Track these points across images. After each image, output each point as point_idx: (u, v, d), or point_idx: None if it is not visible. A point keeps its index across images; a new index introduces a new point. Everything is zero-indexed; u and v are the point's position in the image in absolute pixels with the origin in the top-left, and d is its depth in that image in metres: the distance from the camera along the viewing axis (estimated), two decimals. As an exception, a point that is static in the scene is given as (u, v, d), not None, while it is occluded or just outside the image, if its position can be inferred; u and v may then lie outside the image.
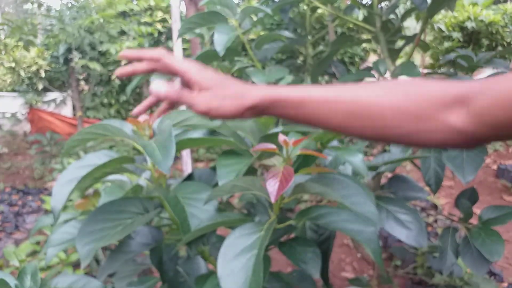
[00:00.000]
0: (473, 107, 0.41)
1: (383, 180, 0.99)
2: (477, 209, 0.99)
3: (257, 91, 0.48)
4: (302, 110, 0.47)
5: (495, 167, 4.36)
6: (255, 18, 1.23)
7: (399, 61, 1.17)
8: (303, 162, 0.66)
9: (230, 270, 0.50)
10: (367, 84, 0.47)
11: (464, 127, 0.41)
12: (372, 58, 5.89)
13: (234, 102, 0.48)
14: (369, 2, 1.26)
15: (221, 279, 0.50)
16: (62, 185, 0.61)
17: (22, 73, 6.17)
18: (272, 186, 0.48)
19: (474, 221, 0.96)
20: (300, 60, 1.58)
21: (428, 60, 6.02)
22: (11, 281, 0.77)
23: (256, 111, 0.48)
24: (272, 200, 0.47)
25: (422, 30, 1.08)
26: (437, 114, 0.42)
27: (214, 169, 0.77)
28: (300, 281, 0.79)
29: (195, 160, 5.29)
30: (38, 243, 1.80)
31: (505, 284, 2.14)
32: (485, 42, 5.37)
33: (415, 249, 1.74)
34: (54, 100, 6.44)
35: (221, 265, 0.50)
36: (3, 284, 0.74)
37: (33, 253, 1.73)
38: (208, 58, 1.14)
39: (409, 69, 0.95)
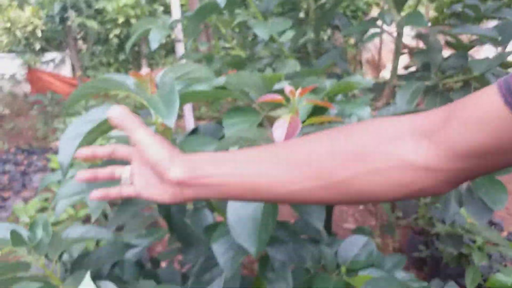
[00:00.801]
0: (437, 138, 0.34)
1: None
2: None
3: (177, 168, 0.43)
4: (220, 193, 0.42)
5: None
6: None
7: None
8: (310, 114, 0.65)
9: (239, 217, 0.51)
10: (299, 140, 0.42)
11: (429, 162, 0.34)
12: (375, 12, 5.72)
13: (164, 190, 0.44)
14: None
15: (231, 226, 0.51)
16: (68, 140, 0.61)
17: (18, 33, 6.04)
18: (279, 136, 0.48)
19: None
20: (302, 13, 1.53)
21: (432, 13, 5.85)
22: (24, 232, 0.80)
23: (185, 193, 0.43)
24: (280, 148, 0.47)
25: (431, -23, 1.04)
26: (389, 150, 0.35)
27: (219, 123, 0.77)
28: (305, 229, 0.81)
29: (197, 118, 5.29)
30: (46, 200, 1.84)
31: (505, 233, 2.21)
32: None
33: (417, 200, 1.77)
34: (52, 60, 6.36)
35: (231, 212, 0.52)
36: (16, 235, 0.76)
37: (42, 210, 1.77)
38: (208, 10, 1.10)
39: (415, 18, 0.92)
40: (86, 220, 1.80)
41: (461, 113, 0.33)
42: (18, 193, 3.06)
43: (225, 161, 0.42)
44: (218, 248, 0.60)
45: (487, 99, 0.31)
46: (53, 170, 3.33)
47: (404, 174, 0.35)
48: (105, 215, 1.81)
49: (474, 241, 1.56)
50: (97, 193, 0.50)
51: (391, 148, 0.35)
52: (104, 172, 0.50)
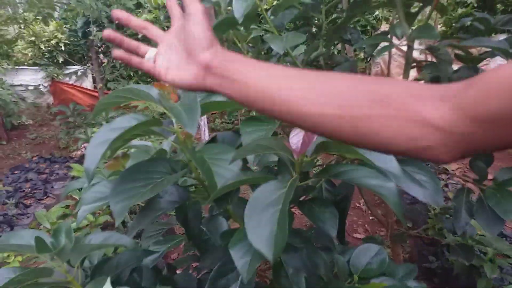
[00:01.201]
0: (456, 100, 0.35)
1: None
2: (489, 175, 1.00)
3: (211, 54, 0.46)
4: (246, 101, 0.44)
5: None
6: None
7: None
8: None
9: (256, 222, 0.53)
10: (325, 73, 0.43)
11: (443, 123, 0.35)
12: (384, 27, 5.74)
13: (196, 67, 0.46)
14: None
15: (248, 231, 0.53)
16: (95, 147, 0.63)
17: (42, 47, 6.26)
18: (295, 143, 0.50)
19: (487, 184, 0.97)
20: (314, 28, 1.57)
21: (441, 27, 5.83)
22: (47, 238, 0.82)
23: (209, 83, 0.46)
24: (296, 156, 0.50)
25: (443, -8, 1.06)
26: (412, 103, 0.37)
27: (236, 132, 0.80)
28: (318, 238, 0.83)
29: (211, 130, 5.36)
30: (67, 206, 1.89)
31: (516, 246, 2.16)
32: (500, 7, 5.18)
33: (427, 211, 1.76)
34: (75, 73, 6.55)
35: (248, 218, 0.54)
36: (39, 241, 0.78)
37: (63, 216, 1.82)
38: (225, 25, 1.14)
39: (426, 31, 0.94)
40: (105, 227, 1.85)
41: (482, 80, 0.34)
42: (40, 200, 3.14)
43: (256, 66, 0.44)
44: (236, 253, 0.62)
45: (509, 69, 0.32)
46: (73, 178, 3.41)
47: (418, 128, 0.36)
48: (123, 223, 1.85)
49: (484, 253, 1.54)
50: (118, 52, 0.53)
51: (414, 102, 0.37)
52: (131, 42, 0.54)
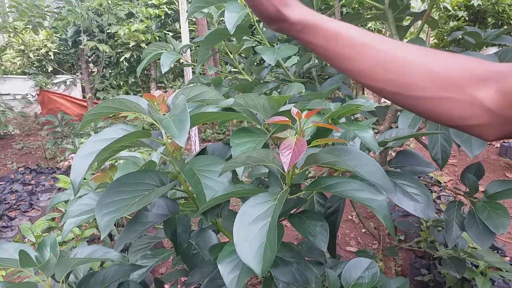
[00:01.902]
0: (503, 84, 0.38)
1: (389, 157, 1.00)
2: (480, 187, 1.00)
3: (299, 8, 0.48)
4: (334, 43, 0.46)
5: (498, 144, 4.36)
6: None
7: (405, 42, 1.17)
8: (315, 136, 0.67)
9: (245, 236, 0.52)
10: (401, 42, 0.46)
11: (492, 105, 0.38)
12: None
13: (277, 5, 0.47)
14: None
15: (237, 245, 0.51)
16: (81, 158, 0.62)
17: (32, 56, 6.21)
18: (285, 156, 0.49)
19: (478, 196, 0.97)
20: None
21: (433, 40, 5.96)
22: (31, 252, 0.80)
23: (288, 27, 0.49)
24: (286, 168, 0.49)
25: (431, 6, 1.07)
26: (467, 85, 0.40)
27: (226, 144, 0.79)
28: (309, 252, 0.81)
29: (202, 140, 5.34)
30: (53, 219, 1.85)
31: (507, 258, 2.18)
32: (491, 21, 5.32)
33: (419, 224, 1.76)
34: (64, 82, 6.49)
35: (237, 231, 0.52)
36: (24, 255, 0.76)
37: (49, 229, 1.78)
38: (217, 36, 1.14)
39: (418, 45, 0.95)
40: (92, 240, 1.81)
41: None
42: (25, 213, 3.08)
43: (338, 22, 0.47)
44: (224, 268, 0.61)
45: None
46: (60, 189, 3.35)
47: (469, 109, 0.40)
48: (110, 236, 1.81)
49: (476, 266, 1.54)
50: None
51: (469, 84, 0.39)
52: None
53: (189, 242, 0.87)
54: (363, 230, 2.73)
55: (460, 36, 1.15)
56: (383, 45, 0.44)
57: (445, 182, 3.52)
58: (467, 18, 5.35)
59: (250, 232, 0.53)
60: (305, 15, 0.47)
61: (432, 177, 3.41)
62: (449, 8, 5.38)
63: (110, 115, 0.70)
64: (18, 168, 4.40)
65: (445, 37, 5.48)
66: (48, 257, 0.79)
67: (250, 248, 0.52)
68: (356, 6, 3.42)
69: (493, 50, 1.00)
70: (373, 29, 5.71)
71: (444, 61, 0.42)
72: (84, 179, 0.63)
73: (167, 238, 0.86)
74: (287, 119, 0.56)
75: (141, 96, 0.71)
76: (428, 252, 1.55)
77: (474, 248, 1.47)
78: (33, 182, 3.77)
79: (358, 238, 2.64)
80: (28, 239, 1.75)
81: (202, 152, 0.82)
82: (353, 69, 0.46)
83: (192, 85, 0.79)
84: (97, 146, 0.63)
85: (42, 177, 3.94)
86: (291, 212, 0.76)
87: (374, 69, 0.44)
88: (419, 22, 1.16)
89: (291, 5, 0.48)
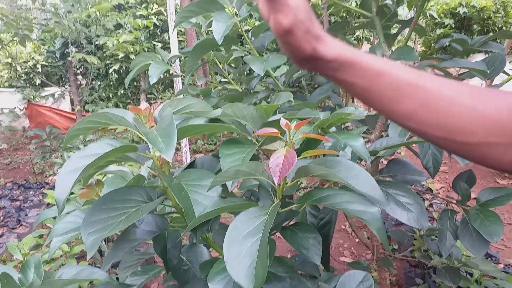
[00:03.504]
0: None
1: (381, 166, 1.00)
2: (472, 193, 1.00)
3: (334, 43, 0.44)
4: (376, 83, 0.42)
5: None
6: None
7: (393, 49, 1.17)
8: (305, 147, 0.66)
9: (236, 254, 0.51)
10: (449, 80, 0.42)
11: None
12: (366, 47, 5.91)
13: (312, 42, 0.43)
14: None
15: (228, 262, 0.50)
16: (66, 175, 0.60)
17: (19, 69, 6.15)
18: (275, 169, 0.48)
19: (470, 204, 0.97)
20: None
21: (420, 47, 6.06)
22: (14, 274, 0.77)
23: (323, 66, 0.45)
24: (276, 182, 0.47)
25: (419, 13, 1.08)
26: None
27: (216, 156, 0.77)
28: (303, 265, 0.80)
29: (193, 151, 5.30)
30: (41, 236, 1.81)
31: (501, 266, 2.18)
32: (476, 28, 5.43)
33: (413, 233, 1.76)
34: (52, 95, 6.43)
35: (227, 249, 0.51)
36: (6, 277, 0.73)
37: (37, 247, 1.74)
38: (206, 46, 1.13)
39: (406, 53, 0.95)
40: (81, 257, 1.77)
41: None
42: (13, 229, 3.00)
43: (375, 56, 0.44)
44: (215, 286, 0.59)
45: None
46: (48, 205, 3.29)
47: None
48: (100, 251, 1.77)
49: (471, 274, 1.53)
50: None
51: None
52: None
53: (180, 257, 0.85)
54: (357, 240, 2.72)
55: (448, 43, 1.16)
56: (430, 84, 0.41)
57: (437, 190, 3.54)
58: (453, 26, 5.45)
59: (241, 249, 0.52)
60: (342, 52, 0.43)
61: (423, 184, 3.42)
62: (435, 16, 5.48)
63: (99, 128, 0.68)
64: (6, 183, 4.31)
65: (433, 44, 5.57)
66: (32, 279, 0.76)
67: (241, 265, 0.50)
68: (344, 14, 3.46)
69: (480, 56, 1.01)
70: (362, 37, 5.77)
71: (494, 103, 0.38)
72: (72, 193, 0.61)
73: (157, 254, 0.83)
74: (276, 130, 0.55)
75: (131, 106, 0.70)
76: (422, 262, 1.54)
77: (468, 256, 1.47)
78: (21, 197, 3.69)
79: (352, 248, 2.62)
80: (15, 257, 1.71)
81: (191, 165, 0.80)
82: (397, 111, 0.42)
83: (179, 96, 0.78)
84: (82, 162, 0.61)
85: (31, 192, 3.87)
86: (283, 225, 0.74)
87: (421, 111, 0.40)
88: (407, 30, 1.17)
89: (324, 39, 0.44)
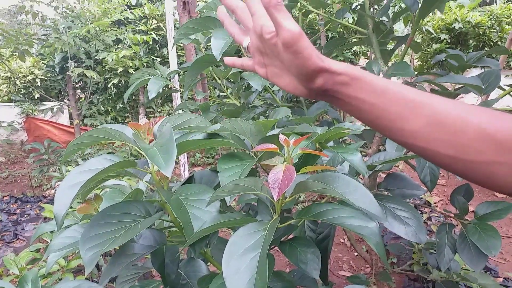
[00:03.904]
0: None
1: (379, 179, 1.00)
2: (470, 206, 1.00)
3: (338, 63, 0.44)
4: (382, 99, 0.42)
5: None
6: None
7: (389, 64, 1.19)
8: (303, 162, 0.67)
9: (235, 269, 0.51)
10: (454, 100, 0.42)
11: None
12: (363, 62, 5.97)
13: (319, 55, 0.44)
14: (359, 7, 1.28)
15: (226, 278, 0.50)
16: (65, 190, 0.60)
17: (18, 83, 6.18)
18: (274, 184, 0.49)
19: (468, 218, 0.97)
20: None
21: (417, 62, 6.13)
22: None
23: (332, 81, 0.44)
24: (275, 197, 0.48)
25: (414, 30, 1.10)
26: None
27: (214, 170, 0.78)
28: (302, 279, 0.79)
29: (192, 165, 5.30)
30: (38, 250, 1.79)
31: (500, 279, 2.16)
32: (472, 43, 5.50)
33: (411, 246, 1.75)
34: (50, 109, 6.45)
35: (226, 264, 0.51)
36: None
37: (33, 261, 1.72)
38: (204, 62, 1.15)
39: (402, 68, 0.96)
40: (78, 271, 1.75)
41: None
42: (10, 243, 2.98)
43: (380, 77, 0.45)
44: (213, 301, 0.59)
45: None
46: (46, 219, 3.27)
47: None
48: (97, 266, 1.76)
49: (470, 287, 1.52)
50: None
51: None
52: (243, 16, 0.53)
53: (178, 272, 0.84)
54: (356, 254, 2.70)
55: (444, 59, 1.18)
56: (437, 102, 0.41)
57: (435, 203, 3.53)
58: (449, 41, 5.53)
59: (240, 264, 0.52)
60: (349, 67, 0.44)
61: (422, 198, 3.42)
62: (431, 31, 5.56)
63: (99, 143, 0.68)
64: (3, 197, 4.29)
65: (429, 59, 5.64)
66: (29, 295, 0.76)
67: (240, 281, 0.50)
68: (341, 30, 3.50)
69: (475, 72, 1.02)
70: (359, 52, 5.83)
71: (502, 121, 0.38)
72: (71, 207, 0.61)
73: (155, 269, 0.83)
74: (275, 146, 0.56)
75: (130, 121, 0.70)
76: (421, 275, 1.53)
77: (467, 270, 1.46)
78: (18, 211, 3.67)
79: (351, 261, 2.60)
80: (11, 272, 1.69)
81: (190, 179, 0.81)
82: (404, 128, 0.42)
83: (178, 112, 0.79)
84: (81, 177, 0.62)
85: (28, 206, 3.85)
86: (282, 239, 0.74)
87: (429, 128, 0.40)
88: (404, 46, 1.19)
89: (328, 59, 0.45)
